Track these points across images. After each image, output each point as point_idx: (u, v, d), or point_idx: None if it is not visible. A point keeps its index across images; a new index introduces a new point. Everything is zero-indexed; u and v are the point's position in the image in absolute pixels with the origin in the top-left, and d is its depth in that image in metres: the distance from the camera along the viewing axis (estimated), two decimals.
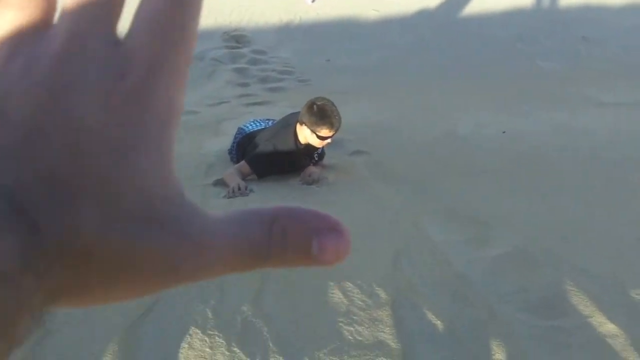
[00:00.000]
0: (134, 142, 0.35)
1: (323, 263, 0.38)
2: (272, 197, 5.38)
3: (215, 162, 6.40)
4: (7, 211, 0.32)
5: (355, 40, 12.30)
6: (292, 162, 5.98)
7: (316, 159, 6.19)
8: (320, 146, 5.90)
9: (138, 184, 0.35)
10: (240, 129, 6.46)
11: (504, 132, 7.48)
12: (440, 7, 13.65)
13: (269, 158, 5.91)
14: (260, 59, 11.27)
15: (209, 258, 0.37)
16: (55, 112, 0.34)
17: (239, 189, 5.48)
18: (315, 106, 5.62)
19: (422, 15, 13.32)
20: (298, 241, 0.38)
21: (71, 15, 0.37)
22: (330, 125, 5.64)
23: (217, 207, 5.16)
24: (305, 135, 5.78)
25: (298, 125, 5.83)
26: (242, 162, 5.94)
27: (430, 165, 6.31)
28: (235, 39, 11.96)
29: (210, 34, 11.85)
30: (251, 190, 5.52)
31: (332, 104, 5.71)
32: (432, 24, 12.92)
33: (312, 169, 5.93)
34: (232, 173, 5.79)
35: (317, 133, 5.68)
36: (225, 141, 6.62)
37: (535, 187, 5.64)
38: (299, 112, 5.94)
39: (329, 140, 5.81)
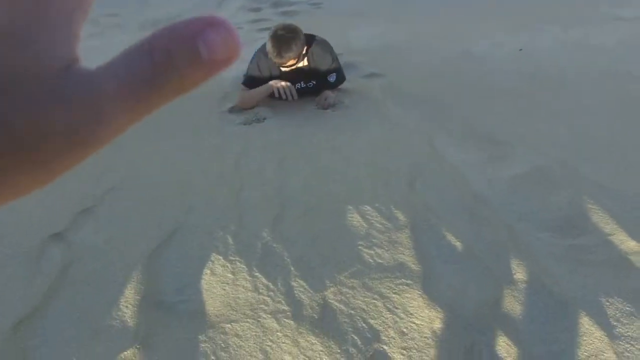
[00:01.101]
0: (36, 31, 0.35)
1: (219, 63, 0.36)
2: (287, 122, 5.37)
3: (231, 89, 6.37)
4: None
5: None
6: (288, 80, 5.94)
7: (311, 85, 6.08)
8: (282, 69, 5.82)
9: (35, 66, 0.34)
10: (256, 53, 6.41)
11: (520, 49, 7.39)
12: None
13: (258, 81, 5.89)
14: None
15: (108, 109, 0.36)
16: None
17: (285, 90, 5.71)
18: (269, 39, 5.53)
19: None
20: (183, 51, 0.36)
21: None
22: (277, 58, 5.55)
23: (233, 134, 5.15)
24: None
25: None
26: (241, 86, 5.99)
27: (446, 86, 6.26)
28: None
29: None
30: (264, 118, 5.50)
31: (283, 28, 5.59)
32: None
33: (328, 93, 5.88)
34: (246, 93, 5.86)
35: (274, 60, 5.62)
36: (239, 67, 6.56)
37: (553, 105, 5.59)
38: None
39: (290, 65, 5.72)
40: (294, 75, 5.88)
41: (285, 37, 5.49)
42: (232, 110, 5.75)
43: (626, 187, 3.99)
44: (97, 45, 7.79)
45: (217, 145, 4.93)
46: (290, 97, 5.78)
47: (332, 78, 6.04)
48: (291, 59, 5.57)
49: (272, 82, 5.65)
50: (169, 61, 0.36)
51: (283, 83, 5.68)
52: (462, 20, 9.33)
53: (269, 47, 5.51)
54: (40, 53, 0.34)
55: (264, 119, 5.48)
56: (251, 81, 5.89)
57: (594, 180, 4.09)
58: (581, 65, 6.74)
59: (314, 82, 6.02)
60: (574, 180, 4.10)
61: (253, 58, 6.01)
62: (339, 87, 6.16)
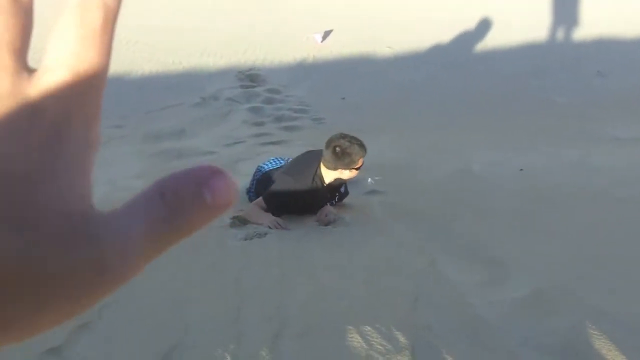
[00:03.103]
0: (53, 169, 0.36)
1: (220, 206, 0.40)
2: (288, 236, 5.38)
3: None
4: None
5: (369, 78, 12.32)
6: (311, 201, 5.98)
7: (335, 201, 6.19)
8: (352, 177, 5.94)
9: (57, 205, 0.36)
10: (259, 167, 6.47)
11: (521, 169, 7.46)
12: (452, 44, 13.67)
13: (286, 196, 5.90)
14: (275, 98, 11.30)
15: (129, 251, 0.38)
16: None
17: (278, 224, 5.67)
18: (338, 149, 5.64)
19: (435, 52, 13.35)
20: (191, 197, 0.39)
21: None
22: (362, 152, 5.73)
23: (234, 249, 5.16)
24: (333, 176, 5.84)
25: (324, 170, 5.87)
26: (259, 199, 5.96)
27: (446, 204, 6.30)
28: (250, 78, 12.00)
29: (225, 73, 11.92)
30: (265, 233, 5.52)
31: (344, 135, 5.77)
32: (444, 60, 12.93)
33: (329, 209, 5.92)
34: (256, 210, 5.85)
35: (355, 167, 5.76)
36: (242, 181, 6.62)
37: (552, 226, 5.62)
38: (316, 151, 6.02)
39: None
40: (333, 187, 6.04)
41: (349, 137, 5.74)
42: (233, 224, 5.77)
43: (624, 311, 3.98)
44: (106, 155, 7.88)
45: (217, 260, 4.92)
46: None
47: (342, 189, 6.19)
48: None
49: (270, 223, 5.71)
50: (179, 204, 0.39)
51: (276, 223, 5.74)
52: (460, 133, 9.45)
53: (352, 156, 5.67)
54: (60, 192, 0.36)
55: (265, 234, 5.49)
56: (275, 199, 5.90)
57: (593, 304, 4.08)
58: (579, 186, 6.80)
59: (338, 195, 6.17)
60: (572, 303, 4.09)
61: (265, 171, 6.20)
62: (340, 203, 6.23)
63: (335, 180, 5.90)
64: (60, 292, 0.36)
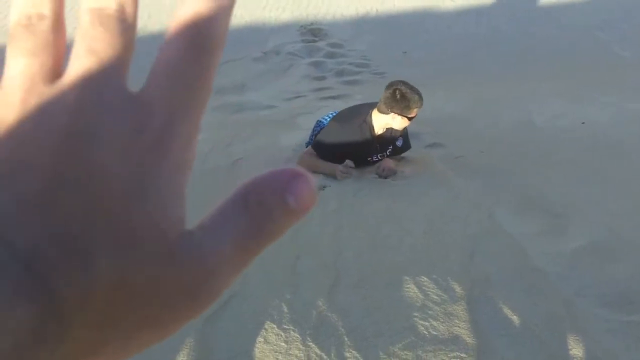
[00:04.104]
0: (150, 188, 0.36)
1: (304, 210, 0.39)
2: (347, 189, 5.37)
3: (292, 156, 6.41)
4: (21, 275, 0.32)
5: (431, 32, 12.20)
6: (360, 151, 5.94)
7: (387, 154, 6.12)
8: (403, 128, 5.87)
9: (152, 225, 0.36)
10: (319, 121, 6.41)
11: (583, 122, 7.33)
12: None
13: (332, 144, 5.88)
14: (337, 52, 11.26)
15: (222, 268, 0.38)
16: (73, 164, 0.34)
17: (347, 170, 5.70)
18: (398, 92, 5.59)
19: (498, 5, 13.13)
20: (275, 203, 0.38)
21: (83, 64, 0.37)
22: (420, 103, 5.64)
23: None
24: (388, 122, 5.76)
25: (377, 114, 5.81)
26: (309, 148, 5.99)
27: (505, 156, 6.23)
28: (312, 33, 11.97)
29: (287, 27, 11.91)
30: (324, 187, 5.52)
31: (406, 82, 5.71)
32: (508, 13, 12.72)
33: (388, 162, 5.89)
34: (314, 160, 5.86)
35: (409, 115, 5.68)
36: (301, 135, 6.64)
37: (612, 176, 5.52)
38: (369, 103, 5.99)
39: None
40: (384, 140, 5.97)
41: (411, 85, 5.68)
42: None
43: None
44: None
45: None
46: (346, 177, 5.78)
47: (399, 142, 6.08)
48: None
49: (338, 169, 5.69)
50: (265, 213, 0.38)
51: (342, 168, 5.69)
52: (522, 85, 9.31)
53: (409, 102, 5.60)
54: (156, 212, 0.36)
55: (324, 187, 5.49)
56: (321, 147, 5.90)
57: None
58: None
59: (391, 148, 6.09)
60: (632, 253, 4.03)
61: (324, 125, 6.09)
62: (402, 155, 6.19)
63: (386, 130, 5.84)
64: (152, 316, 0.37)
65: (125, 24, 0.39)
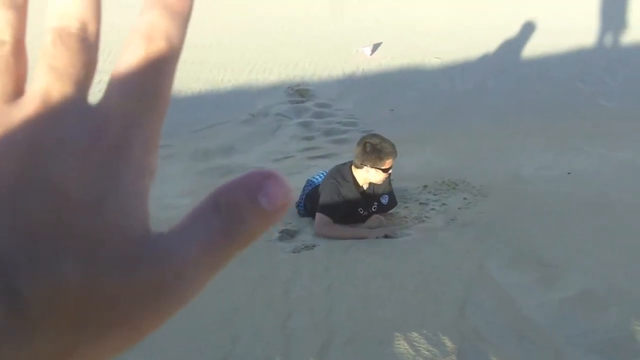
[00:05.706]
0: (110, 194, 0.36)
1: (277, 211, 0.39)
2: (337, 247, 5.37)
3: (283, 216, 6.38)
4: None
5: (418, 89, 12.30)
6: (354, 210, 5.98)
7: (374, 209, 6.11)
8: (381, 181, 5.90)
9: (116, 229, 0.36)
10: (309, 181, 6.48)
11: (569, 173, 7.37)
12: (499, 52, 13.57)
13: (338, 205, 5.89)
14: (325, 112, 11.32)
15: (188, 269, 0.38)
16: (35, 175, 0.35)
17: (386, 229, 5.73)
18: (368, 145, 5.69)
19: (483, 61, 13.27)
20: (247, 205, 0.38)
21: (43, 81, 0.38)
22: (393, 153, 5.72)
23: (282, 262, 5.17)
24: (365, 176, 5.85)
25: (354, 170, 5.91)
26: (324, 217, 5.87)
27: (495, 208, 6.25)
28: (299, 93, 12.05)
29: (274, 89, 11.99)
30: (314, 246, 5.51)
31: (377, 135, 5.86)
32: (492, 69, 12.86)
33: (378, 217, 5.93)
34: (332, 231, 5.80)
35: (382, 167, 5.72)
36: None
37: (600, 227, 5.54)
38: (344, 163, 6.09)
39: (390, 172, 5.83)
40: (368, 197, 6.00)
41: (383, 138, 5.79)
42: (282, 237, 5.78)
43: None
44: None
45: (266, 272, 4.94)
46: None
47: (384, 200, 6.08)
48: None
49: (368, 233, 5.70)
50: (236, 214, 0.38)
51: (375, 229, 5.73)
52: (508, 139, 9.37)
53: (380, 154, 5.68)
54: (119, 216, 0.36)
55: (314, 246, 5.49)
56: (331, 209, 5.87)
57: None
58: (627, 188, 6.69)
59: (376, 204, 6.09)
60: (620, 301, 4.04)
61: (315, 184, 6.12)
62: (389, 211, 6.20)
63: (368, 184, 5.91)
64: (121, 318, 0.37)
65: (87, 42, 0.40)
